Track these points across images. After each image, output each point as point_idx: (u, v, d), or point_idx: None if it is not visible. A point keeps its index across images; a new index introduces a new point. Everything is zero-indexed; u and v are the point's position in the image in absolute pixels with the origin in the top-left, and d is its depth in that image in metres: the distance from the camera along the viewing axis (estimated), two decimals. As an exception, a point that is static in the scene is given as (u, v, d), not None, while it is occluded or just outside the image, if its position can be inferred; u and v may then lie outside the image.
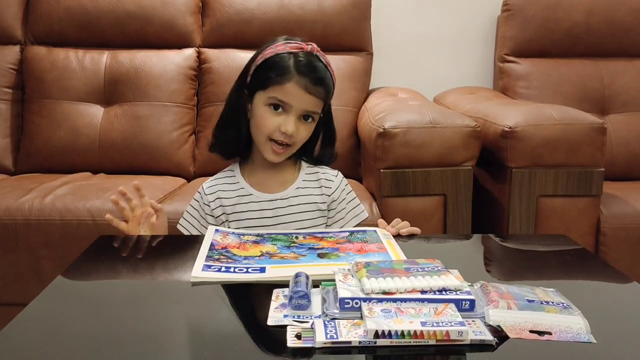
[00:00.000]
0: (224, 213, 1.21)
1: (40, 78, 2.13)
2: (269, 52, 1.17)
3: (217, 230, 1.08)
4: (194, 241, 1.06)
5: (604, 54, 2.23)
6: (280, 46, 1.16)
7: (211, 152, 1.25)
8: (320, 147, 1.27)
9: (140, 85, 2.12)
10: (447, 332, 0.67)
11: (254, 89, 1.18)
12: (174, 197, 1.74)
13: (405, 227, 1.13)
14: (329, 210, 1.26)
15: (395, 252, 0.99)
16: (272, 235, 1.08)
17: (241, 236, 1.07)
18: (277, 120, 1.14)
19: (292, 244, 1.03)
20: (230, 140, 1.21)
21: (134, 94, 2.12)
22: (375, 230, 1.12)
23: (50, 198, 1.64)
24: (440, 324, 0.69)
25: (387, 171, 1.59)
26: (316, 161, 1.27)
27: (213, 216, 1.22)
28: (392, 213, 1.60)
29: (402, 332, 0.67)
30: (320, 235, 1.09)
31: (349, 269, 0.84)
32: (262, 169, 1.22)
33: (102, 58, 2.16)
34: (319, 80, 1.14)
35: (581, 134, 1.61)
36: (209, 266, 0.91)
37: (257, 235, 1.08)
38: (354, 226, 1.25)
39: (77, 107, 2.11)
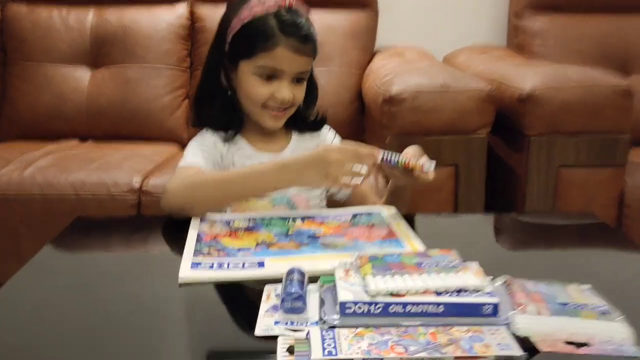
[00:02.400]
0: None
1: (21, 38, 1.99)
2: (246, 15, 1.05)
3: (202, 219, 0.96)
4: (177, 222, 0.95)
5: (627, 9, 2.07)
6: (257, 7, 1.04)
7: (195, 127, 1.14)
8: (304, 105, 1.13)
9: (129, 46, 1.98)
10: (423, 164, 0.84)
11: (236, 58, 1.07)
12: (164, 169, 1.62)
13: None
14: None
15: (408, 238, 0.88)
16: (266, 220, 0.96)
17: (230, 223, 0.95)
18: (269, 88, 1.05)
19: (290, 230, 0.92)
20: (218, 113, 1.10)
21: (122, 56, 1.98)
22: (380, 212, 1.00)
23: (30, 170, 1.53)
24: (418, 158, 0.86)
25: (393, 139, 1.47)
26: (306, 127, 1.16)
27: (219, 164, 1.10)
28: (398, 185, 1.49)
29: (398, 161, 0.89)
30: (319, 220, 0.97)
31: (351, 263, 0.73)
32: (257, 136, 1.11)
33: (87, 16, 2.01)
34: (306, 38, 1.04)
35: (604, 97, 1.48)
36: (199, 264, 0.79)
37: (249, 219, 0.97)
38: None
39: (62, 70, 1.98)
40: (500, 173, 1.59)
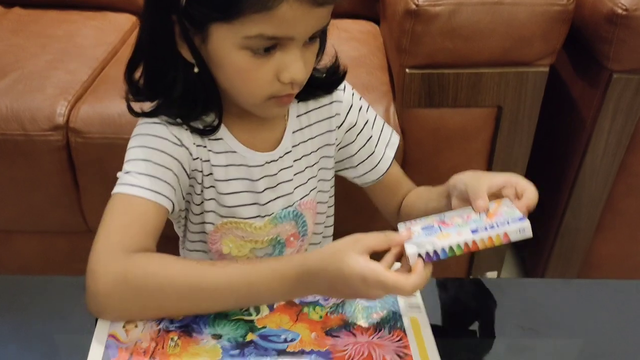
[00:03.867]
0: (201, 183, 0.72)
1: None
2: None
3: None
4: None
5: None
6: None
7: (137, 116, 0.70)
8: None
9: None
10: (505, 233, 0.56)
11: (203, 20, 0.61)
12: (103, 85, 1.19)
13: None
14: (344, 147, 0.81)
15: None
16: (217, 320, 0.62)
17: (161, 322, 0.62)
18: (270, 68, 0.63)
19: (249, 335, 0.60)
20: (181, 98, 0.67)
21: None
22: (396, 301, 0.65)
23: None
24: (496, 226, 0.56)
25: (416, 72, 1.03)
26: (316, 91, 0.75)
27: (185, 181, 0.71)
28: (417, 129, 1.09)
29: (451, 247, 0.55)
30: (297, 302, 0.64)
31: None
32: (241, 116, 0.71)
33: None
34: None
35: None
36: None
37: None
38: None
39: None
40: (556, 112, 1.17)
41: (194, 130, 0.68)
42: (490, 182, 0.62)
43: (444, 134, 1.09)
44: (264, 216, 0.75)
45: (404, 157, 1.10)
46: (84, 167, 1.12)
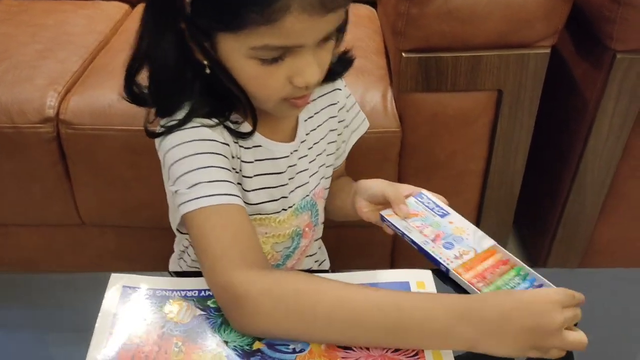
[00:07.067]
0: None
1: None
2: None
3: (126, 289, 0.62)
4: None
5: None
6: None
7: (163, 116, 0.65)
8: None
9: None
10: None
11: (209, 28, 0.59)
12: (94, 74, 1.17)
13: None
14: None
15: None
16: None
17: (163, 305, 0.61)
18: (281, 74, 0.60)
19: (257, 343, 0.58)
20: (203, 100, 0.64)
21: None
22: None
23: None
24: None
25: (412, 56, 1.00)
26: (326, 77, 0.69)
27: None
28: (415, 114, 1.07)
29: None
30: None
31: None
32: (259, 110, 0.67)
33: None
34: None
35: None
36: None
37: (194, 302, 0.61)
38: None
39: None
40: (558, 95, 1.13)
41: (230, 131, 0.65)
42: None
43: (443, 119, 1.06)
44: (287, 208, 0.74)
45: (401, 143, 1.08)
46: (75, 158, 1.10)
